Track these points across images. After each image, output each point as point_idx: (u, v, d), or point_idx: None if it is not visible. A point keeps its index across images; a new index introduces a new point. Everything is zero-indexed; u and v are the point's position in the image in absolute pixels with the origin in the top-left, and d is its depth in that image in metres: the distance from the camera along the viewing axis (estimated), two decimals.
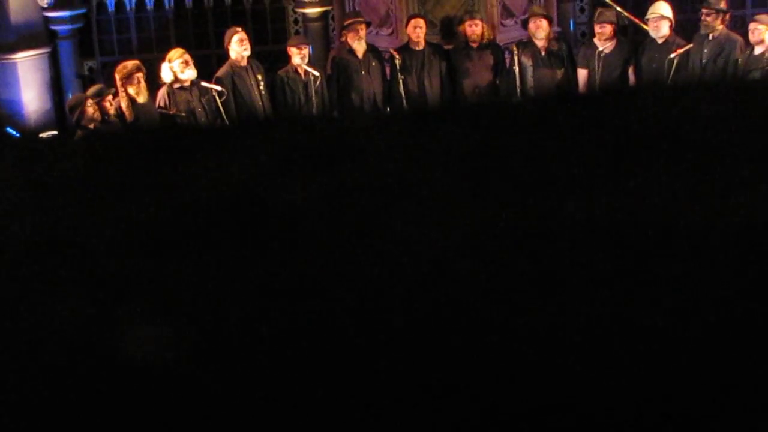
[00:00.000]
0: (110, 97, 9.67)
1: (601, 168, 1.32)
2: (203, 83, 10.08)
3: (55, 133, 11.90)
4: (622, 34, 10.97)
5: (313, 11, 13.07)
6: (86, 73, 13.68)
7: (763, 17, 10.02)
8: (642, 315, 1.10)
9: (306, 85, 10.40)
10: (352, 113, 9.37)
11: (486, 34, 10.79)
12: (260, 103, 10.34)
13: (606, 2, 11.70)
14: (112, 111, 9.60)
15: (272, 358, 1.08)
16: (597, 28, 10.52)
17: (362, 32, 10.68)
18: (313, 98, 10.34)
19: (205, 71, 10.76)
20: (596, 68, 10.36)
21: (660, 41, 10.25)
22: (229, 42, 10.39)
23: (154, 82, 10.03)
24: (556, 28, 11.32)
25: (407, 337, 1.09)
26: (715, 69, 9.94)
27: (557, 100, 1.84)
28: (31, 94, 13.13)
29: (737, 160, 1.32)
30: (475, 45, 10.70)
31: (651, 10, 10.48)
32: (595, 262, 1.17)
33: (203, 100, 9.99)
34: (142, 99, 9.75)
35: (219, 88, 10.05)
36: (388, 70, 10.72)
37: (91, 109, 9.43)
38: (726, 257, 1.17)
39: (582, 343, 1.07)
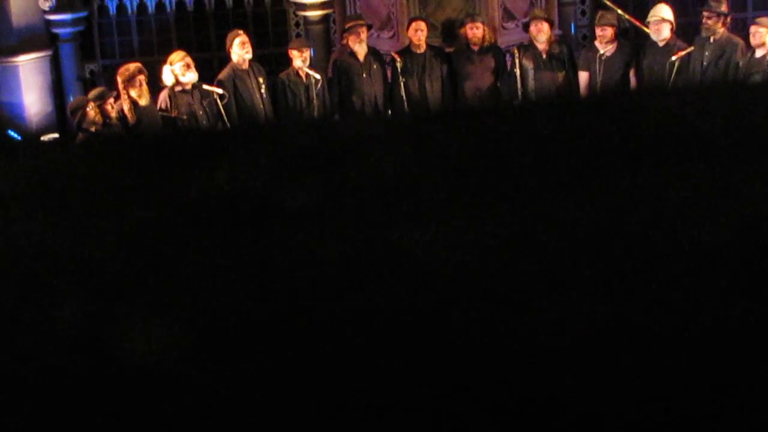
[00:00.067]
0: (111, 100, 9.66)
1: (602, 170, 1.33)
2: (204, 86, 10.08)
3: (57, 136, 11.90)
4: (623, 36, 10.96)
5: (314, 14, 13.08)
6: (87, 76, 13.68)
7: (763, 20, 10.02)
8: (642, 315, 1.10)
9: (307, 87, 10.40)
10: (354, 116, 9.37)
11: (487, 37, 10.79)
12: (261, 106, 10.34)
13: (607, 5, 11.71)
14: (113, 114, 9.60)
15: (273, 359, 1.08)
16: (598, 31, 10.52)
17: (363, 35, 10.68)
18: (315, 101, 10.34)
19: (207, 74, 10.76)
20: (597, 71, 10.35)
21: (661, 44, 10.25)
22: (231, 45, 10.39)
23: (155, 85, 10.04)
24: (557, 31, 11.32)
25: (408, 338, 1.09)
26: (716, 72, 9.94)
27: (559, 103, 1.84)
28: (33, 97, 13.14)
29: (737, 161, 1.33)
30: (476, 48, 10.70)
31: (652, 12, 10.47)
32: (596, 264, 1.17)
33: (204, 102, 9.99)
34: (144, 101, 9.75)
35: (220, 90, 10.05)
36: (389, 73, 10.72)
37: (92, 112, 9.44)
38: (727, 258, 1.17)
39: (582, 344, 1.07)
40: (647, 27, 10.57)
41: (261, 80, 10.41)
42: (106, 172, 1.39)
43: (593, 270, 1.16)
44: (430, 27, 11.02)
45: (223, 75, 10.35)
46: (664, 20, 10.25)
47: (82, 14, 13.53)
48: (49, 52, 13.36)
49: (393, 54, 10.75)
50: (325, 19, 13.10)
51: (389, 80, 10.69)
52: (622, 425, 1.01)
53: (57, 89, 13.35)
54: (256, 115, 10.13)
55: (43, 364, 1.08)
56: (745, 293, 1.12)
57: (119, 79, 9.80)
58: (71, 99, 11.69)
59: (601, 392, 1.03)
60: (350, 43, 10.63)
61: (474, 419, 1.02)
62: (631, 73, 10.40)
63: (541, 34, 10.49)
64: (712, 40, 10.09)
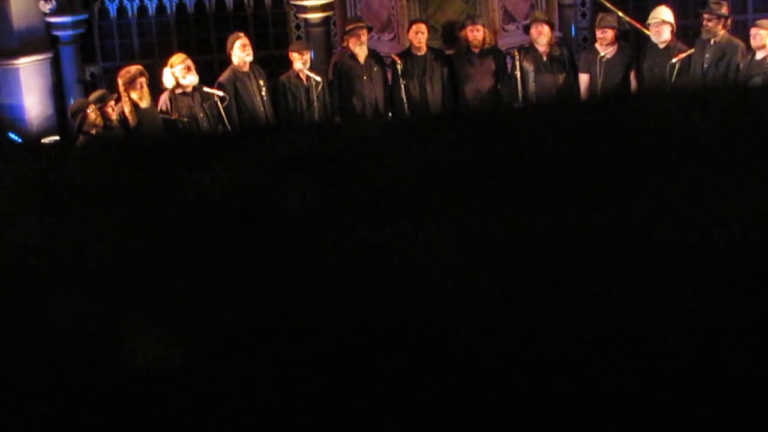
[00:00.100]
0: (112, 102, 9.67)
1: (603, 171, 1.33)
2: (205, 88, 10.08)
3: (57, 138, 11.90)
4: (623, 39, 10.96)
5: (314, 16, 13.07)
6: (88, 78, 13.68)
7: (764, 22, 10.02)
8: (642, 316, 1.10)
9: (308, 90, 10.40)
10: (354, 118, 9.37)
11: (488, 39, 10.79)
12: (262, 108, 10.34)
13: (607, 7, 11.71)
14: (114, 116, 9.60)
15: (273, 359, 1.08)
16: (598, 33, 10.52)
17: (364, 37, 10.68)
18: (315, 103, 10.35)
19: (207, 76, 10.77)
20: (598, 73, 10.36)
21: (661, 46, 10.25)
22: (232, 47, 10.39)
23: (156, 88, 10.04)
24: (557, 33, 11.32)
25: (408, 338, 1.09)
26: (717, 74, 9.94)
27: (560, 105, 1.84)
28: (33, 100, 13.14)
29: (738, 163, 1.33)
30: (476, 50, 10.70)
31: (652, 15, 10.48)
32: (596, 264, 1.17)
33: (205, 105, 10.00)
34: (145, 104, 9.75)
35: (221, 93, 10.05)
36: (389, 76, 10.72)
37: (93, 114, 9.44)
38: (727, 258, 1.17)
39: (582, 344, 1.07)
40: (647, 29, 10.58)
41: (261, 83, 10.41)
42: (106, 175, 1.40)
43: (593, 270, 1.16)
44: (431, 29, 11.03)
45: (223, 77, 10.36)
46: (664, 22, 10.25)
47: (83, 17, 13.53)
48: (49, 55, 13.36)
49: (393, 56, 10.75)
50: (325, 21, 13.10)
51: (390, 82, 10.69)
52: (622, 425, 1.01)
53: (57, 92, 13.35)
54: (257, 117, 10.14)
55: (43, 364, 1.08)
56: (745, 293, 1.12)
57: (120, 82, 9.80)
58: (72, 101, 11.70)
59: (601, 392, 1.03)
60: (351, 45, 10.63)
61: (474, 419, 1.02)
62: (632, 75, 10.40)
63: (542, 36, 10.49)
64: (712, 42, 10.10)
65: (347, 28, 10.86)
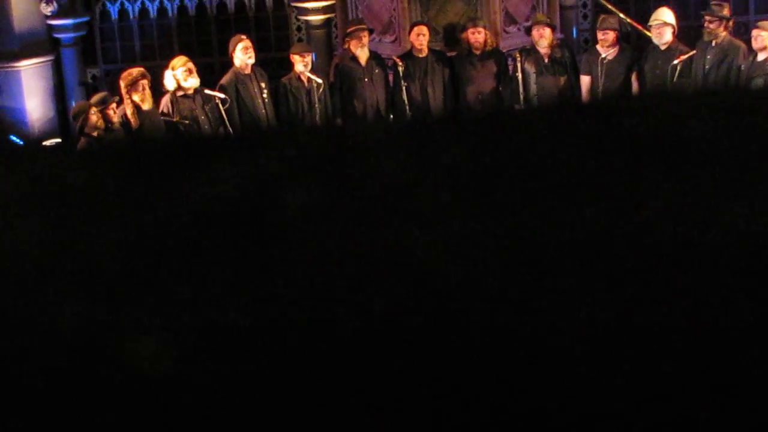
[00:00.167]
0: (114, 105, 9.68)
1: (603, 172, 1.33)
2: (206, 91, 10.09)
3: (59, 141, 11.92)
4: (624, 40, 10.97)
5: (315, 18, 13.09)
6: (89, 80, 13.70)
7: (765, 24, 10.03)
8: (643, 317, 1.10)
9: (309, 92, 10.41)
10: (355, 121, 9.38)
11: (489, 41, 10.80)
12: (264, 110, 10.36)
13: (609, 9, 11.72)
14: (115, 119, 9.62)
15: (273, 360, 1.09)
16: (600, 35, 10.52)
17: (365, 39, 10.69)
18: (317, 105, 10.36)
19: (209, 79, 10.78)
20: (599, 75, 10.36)
21: (663, 48, 10.25)
22: (234, 50, 10.40)
23: (157, 90, 10.05)
24: (558, 35, 11.33)
25: (408, 338, 1.09)
26: (718, 76, 9.95)
27: (562, 108, 1.85)
28: (35, 102, 13.16)
29: (739, 164, 1.33)
30: (478, 52, 10.71)
31: (654, 16, 10.49)
32: (597, 265, 1.17)
33: (206, 107, 10.01)
34: (146, 106, 9.76)
35: (222, 95, 10.06)
36: (391, 78, 10.73)
37: (94, 117, 9.45)
38: (728, 259, 1.17)
39: (583, 344, 1.07)
40: (649, 31, 10.58)
41: (263, 85, 10.42)
42: (107, 177, 1.40)
43: (594, 271, 1.16)
44: (432, 31, 11.04)
45: (225, 80, 10.37)
46: (665, 24, 10.26)
47: (84, 19, 13.56)
48: (51, 57, 13.38)
49: (395, 58, 10.76)
50: (326, 23, 13.11)
51: (391, 85, 10.70)
52: (622, 425, 1.01)
53: (59, 94, 13.38)
54: (258, 119, 10.15)
55: (43, 365, 1.08)
56: (746, 294, 1.12)
57: (122, 84, 9.81)
58: (73, 104, 11.72)
59: (601, 392, 1.03)
60: (352, 47, 10.64)
61: (474, 419, 1.02)
62: (633, 77, 10.41)
63: (543, 39, 10.50)
64: (714, 43, 10.10)
65: (348, 30, 10.87)
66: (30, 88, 13.14)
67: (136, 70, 9.99)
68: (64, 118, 12.80)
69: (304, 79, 10.41)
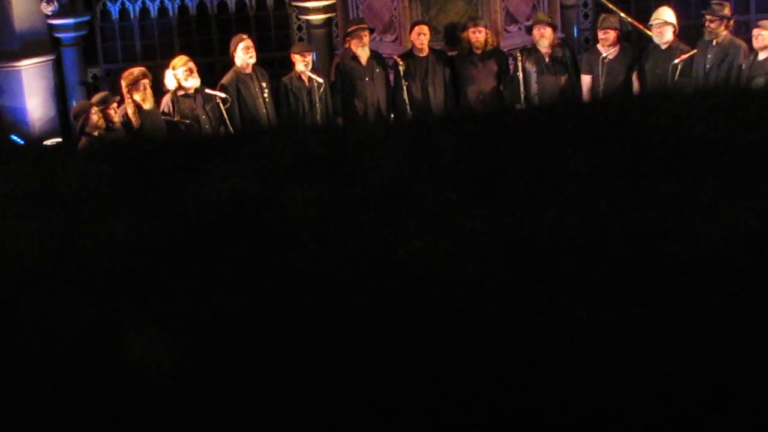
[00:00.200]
0: (115, 104, 9.68)
1: (604, 172, 1.33)
2: (207, 90, 10.09)
3: (60, 140, 11.92)
4: (625, 40, 10.97)
5: (316, 18, 13.09)
6: (90, 80, 13.70)
7: (766, 23, 10.02)
8: (643, 317, 1.10)
9: (310, 91, 10.41)
10: (356, 120, 9.37)
11: (490, 40, 10.79)
12: (264, 110, 10.35)
13: (609, 8, 11.72)
14: (116, 118, 9.62)
15: (274, 360, 1.09)
16: (600, 34, 10.52)
17: (366, 39, 10.69)
18: (317, 105, 10.35)
19: (210, 78, 10.78)
20: (600, 74, 10.36)
21: (664, 47, 10.25)
22: (235, 49, 10.40)
23: (158, 89, 10.05)
24: (559, 34, 11.33)
25: (408, 339, 1.09)
26: (719, 75, 9.94)
27: (563, 107, 1.85)
28: (36, 102, 13.16)
29: (739, 164, 1.33)
30: (478, 51, 10.70)
31: (654, 15, 10.48)
32: (597, 265, 1.17)
33: (207, 107, 10.00)
34: (148, 105, 9.76)
35: (223, 95, 10.06)
36: (391, 77, 10.73)
37: (95, 116, 9.45)
38: (729, 260, 1.17)
39: (583, 345, 1.07)
40: (650, 30, 10.57)
41: (264, 84, 10.42)
42: (108, 177, 1.40)
43: (594, 271, 1.16)
44: (433, 30, 11.04)
45: (226, 79, 10.36)
46: (666, 23, 10.25)
47: (85, 19, 13.55)
48: (51, 57, 13.38)
49: (395, 57, 10.76)
50: (327, 23, 13.11)
51: (392, 84, 10.70)
52: (622, 425, 1.01)
53: (60, 94, 13.38)
54: (259, 119, 10.15)
55: (43, 365, 1.08)
56: (746, 294, 1.12)
57: (123, 83, 9.81)
58: (74, 104, 11.71)
59: (601, 392, 1.03)
60: (353, 46, 10.64)
61: (474, 419, 1.02)
62: (634, 77, 10.40)
63: (544, 39, 10.50)
64: (714, 43, 10.09)
65: (349, 30, 10.86)
66: (31, 88, 13.15)
67: (137, 70, 9.98)
68: (64, 118, 12.81)
69: (305, 79, 10.41)
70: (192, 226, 1.26)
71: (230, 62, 10.60)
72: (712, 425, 1.00)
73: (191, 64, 10.04)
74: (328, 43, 13.07)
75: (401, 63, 10.59)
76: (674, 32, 10.28)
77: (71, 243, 1.26)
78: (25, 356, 1.09)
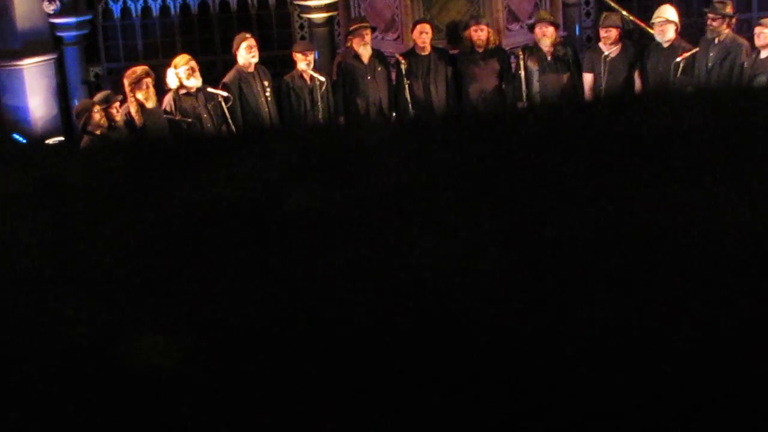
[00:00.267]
0: (117, 103, 9.68)
1: (606, 172, 1.33)
2: (209, 89, 10.08)
3: (62, 139, 11.92)
4: (627, 38, 10.95)
5: (318, 16, 13.08)
6: (92, 79, 13.70)
7: None
8: (643, 317, 1.10)
9: (311, 90, 10.40)
10: (358, 119, 9.37)
11: (492, 39, 10.78)
12: (266, 109, 10.34)
13: (611, 6, 11.71)
14: (118, 117, 9.61)
15: (274, 360, 1.09)
16: (602, 33, 10.51)
17: (368, 37, 10.68)
18: (319, 104, 10.35)
19: (211, 77, 10.77)
20: (602, 72, 10.35)
21: (666, 45, 10.23)
22: (238, 48, 10.39)
23: (160, 88, 10.04)
24: (561, 33, 11.31)
25: (410, 339, 1.09)
26: (721, 73, 9.93)
27: (565, 106, 1.85)
28: (38, 101, 13.16)
29: (739, 164, 1.33)
30: (480, 50, 10.69)
31: (656, 14, 10.47)
32: (597, 266, 1.17)
33: (209, 105, 10.00)
34: (150, 104, 9.74)
35: (225, 93, 10.05)
36: (393, 75, 10.72)
37: (97, 115, 9.44)
38: (729, 260, 1.17)
39: (583, 345, 1.07)
40: (651, 28, 10.56)
41: (266, 83, 10.41)
42: (110, 175, 1.40)
43: (594, 271, 1.16)
44: (435, 29, 11.02)
45: (228, 78, 10.35)
46: (668, 21, 10.24)
47: (87, 18, 13.55)
48: (53, 56, 13.38)
49: (397, 56, 10.75)
50: (329, 21, 13.10)
51: (394, 82, 10.68)
52: (622, 425, 1.01)
53: (62, 93, 13.38)
54: (261, 118, 10.14)
55: (43, 365, 1.08)
56: (748, 295, 1.12)
57: (126, 82, 9.79)
58: (76, 102, 11.71)
59: (601, 392, 1.03)
60: (354, 45, 10.63)
61: (474, 419, 1.02)
62: (636, 75, 10.39)
63: (546, 37, 10.48)
64: (716, 41, 10.08)
65: (351, 28, 10.85)
66: (33, 87, 13.15)
67: (140, 69, 9.97)
68: (66, 117, 12.80)
69: (307, 78, 10.40)
70: (191, 226, 1.26)
71: (232, 61, 10.60)
72: (712, 425, 1.00)
73: (193, 63, 10.03)
74: (330, 42, 13.06)
75: (403, 62, 10.57)
76: (676, 30, 10.27)
77: (71, 243, 1.26)
78: (26, 356, 1.09)
